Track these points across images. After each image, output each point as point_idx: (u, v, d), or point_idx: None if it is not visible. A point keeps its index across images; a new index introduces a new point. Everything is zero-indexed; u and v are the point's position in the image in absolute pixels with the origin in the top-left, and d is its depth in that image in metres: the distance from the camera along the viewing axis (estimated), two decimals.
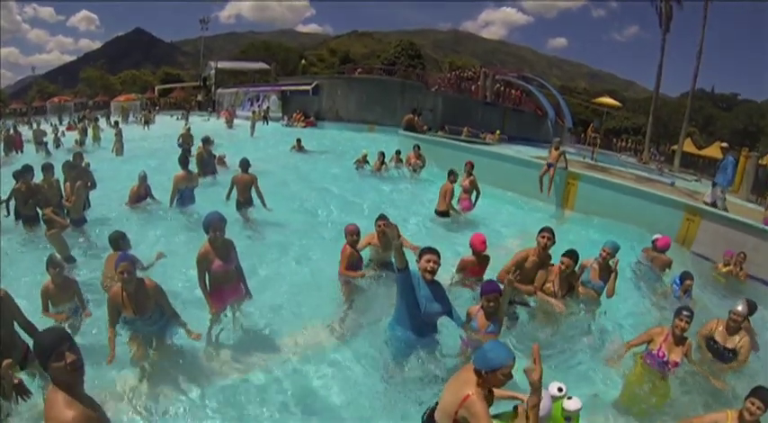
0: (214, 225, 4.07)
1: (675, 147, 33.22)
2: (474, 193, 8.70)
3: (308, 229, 8.11)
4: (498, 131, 22.34)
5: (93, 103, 45.87)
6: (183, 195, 7.90)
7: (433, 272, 3.65)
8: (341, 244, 5.09)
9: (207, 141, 10.61)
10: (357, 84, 27.63)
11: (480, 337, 3.81)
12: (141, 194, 8.14)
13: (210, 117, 32.47)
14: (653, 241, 6.61)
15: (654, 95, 29.72)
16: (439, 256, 3.70)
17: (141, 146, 17.66)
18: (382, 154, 12.38)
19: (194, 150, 11.36)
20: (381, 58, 51.06)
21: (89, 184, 7.92)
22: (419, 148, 11.92)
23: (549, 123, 32.56)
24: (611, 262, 4.88)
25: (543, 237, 4.75)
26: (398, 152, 12.85)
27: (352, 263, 4.95)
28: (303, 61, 45.29)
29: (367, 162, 12.55)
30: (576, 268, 4.80)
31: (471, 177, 8.69)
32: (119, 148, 15.51)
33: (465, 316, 3.99)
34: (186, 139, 15.04)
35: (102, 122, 26.17)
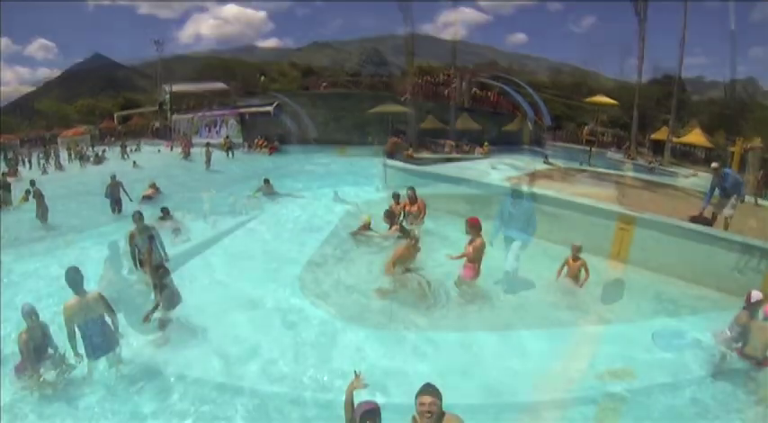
0: None
1: (653, 136, 32.11)
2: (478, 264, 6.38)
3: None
4: (486, 144, 20.28)
5: (50, 137, 41.78)
6: (87, 334, 4.54)
7: None
8: None
9: (138, 218, 7.05)
10: (322, 100, 25.23)
11: None
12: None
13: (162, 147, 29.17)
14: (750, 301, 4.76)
15: (637, 87, 28.62)
16: None
17: (73, 201, 13.45)
18: (391, 215, 8.81)
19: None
20: (346, 67, 48.67)
21: None
22: (414, 191, 8.94)
23: (528, 124, 30.96)
24: None
25: None
26: (397, 196, 9.40)
27: None
28: (262, 78, 42.20)
29: (370, 230, 8.95)
30: None
31: (480, 239, 6.35)
32: (42, 214, 11.23)
33: None
34: (114, 189, 11.44)
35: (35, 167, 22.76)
